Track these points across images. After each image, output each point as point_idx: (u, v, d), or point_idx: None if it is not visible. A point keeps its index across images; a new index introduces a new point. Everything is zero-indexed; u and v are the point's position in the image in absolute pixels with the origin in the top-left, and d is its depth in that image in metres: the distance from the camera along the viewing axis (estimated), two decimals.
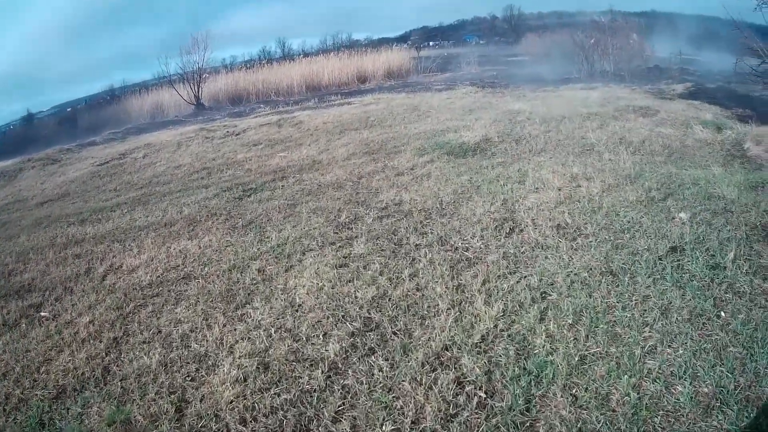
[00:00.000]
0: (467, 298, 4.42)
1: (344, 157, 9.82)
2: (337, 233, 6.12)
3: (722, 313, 3.85)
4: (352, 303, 4.53)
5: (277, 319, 4.46)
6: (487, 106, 14.09)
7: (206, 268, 5.64)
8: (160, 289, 5.35)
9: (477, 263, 4.98)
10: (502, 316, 4.09)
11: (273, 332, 4.25)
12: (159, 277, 5.64)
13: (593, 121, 10.64)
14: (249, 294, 4.98)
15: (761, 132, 8.80)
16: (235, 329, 4.36)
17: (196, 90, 24.60)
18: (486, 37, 54.17)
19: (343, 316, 4.34)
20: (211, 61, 26.77)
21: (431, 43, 55.68)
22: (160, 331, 4.53)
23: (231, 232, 6.66)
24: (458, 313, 4.20)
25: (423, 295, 4.54)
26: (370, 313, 4.35)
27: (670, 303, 4.00)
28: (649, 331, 3.71)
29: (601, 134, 9.49)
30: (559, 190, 6.60)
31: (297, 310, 4.55)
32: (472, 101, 15.38)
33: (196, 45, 25.27)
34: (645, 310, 3.95)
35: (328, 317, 4.35)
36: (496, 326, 3.96)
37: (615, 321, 3.88)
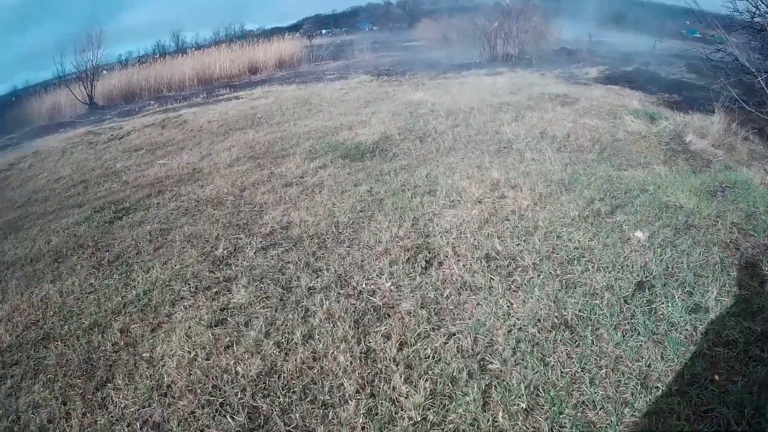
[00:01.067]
0: (381, 372, 3.49)
1: (227, 163, 8.97)
2: (213, 272, 5.15)
3: (715, 377, 3.16)
4: (232, 383, 3.58)
5: (143, 407, 3.53)
6: (384, 97, 13.51)
7: (66, 326, 4.71)
8: (20, 354, 4.46)
9: (389, 314, 4.06)
10: (431, 401, 3.20)
11: (138, 429, 3.36)
12: (19, 337, 4.73)
13: (507, 113, 10.17)
14: (110, 367, 4.02)
15: (703, 122, 8.56)
16: (95, 422, 3.51)
17: (89, 89, 24.31)
18: (380, 23, 56.35)
19: (221, 405, 3.40)
20: (106, 58, 26.94)
21: (324, 31, 57.03)
22: (18, 419, 3.70)
23: (95, 272, 5.69)
24: (371, 398, 3.29)
25: (322, 368, 3.58)
26: (255, 400, 3.40)
27: (650, 367, 3.28)
28: (631, 414, 2.96)
29: (518, 128, 8.99)
30: (480, 202, 5.89)
31: (165, 395, 3.61)
32: (367, 92, 14.76)
33: (90, 42, 25.15)
34: (620, 382, 3.19)
35: (203, 406, 3.41)
36: (425, 419, 3.09)
37: (584, 402, 3.09)
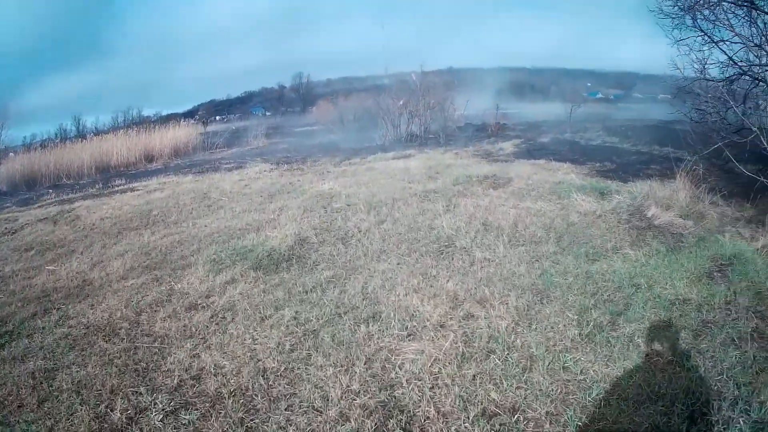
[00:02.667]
0: None
1: (120, 274, 7.72)
2: None
3: None
4: None
5: None
6: (289, 188, 12.80)
7: None
8: None
9: None
10: None
11: None
12: None
13: (435, 202, 9.57)
14: None
15: (664, 192, 8.34)
16: None
17: None
18: (273, 108, 58.14)
19: None
20: (10, 139, 28.13)
21: (218, 117, 58.85)
22: None
23: None
24: None
25: None
26: None
27: None
28: None
29: (454, 220, 8.34)
30: (443, 327, 4.96)
31: None
32: (269, 183, 14.03)
33: None
34: None
35: None
36: None
37: None
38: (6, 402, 4.76)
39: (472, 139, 20.51)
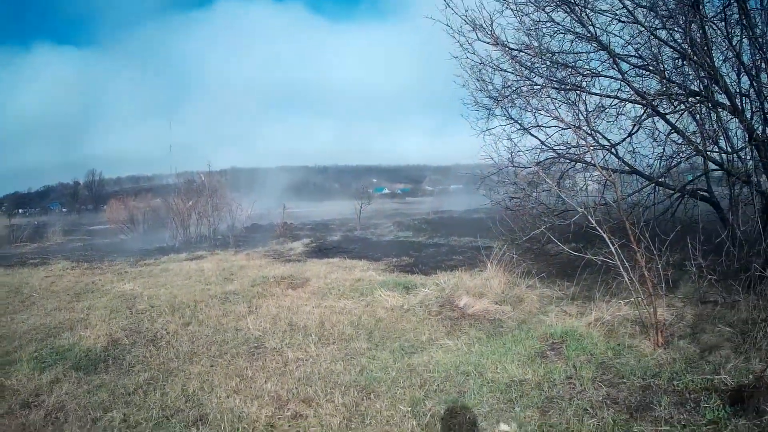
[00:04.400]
0: None
1: None
2: None
3: None
4: None
5: None
6: (93, 287, 12.41)
7: None
8: None
9: None
10: None
11: None
12: None
13: (237, 304, 9.52)
14: None
15: (475, 281, 8.68)
16: None
17: None
18: (69, 204, 57.78)
19: None
20: None
21: (20, 210, 59.76)
22: None
23: None
24: None
25: None
26: None
27: None
28: None
29: (259, 321, 8.30)
30: (273, 427, 4.87)
31: None
32: (74, 281, 13.64)
33: None
34: None
35: None
36: None
37: None
38: None
39: (261, 240, 20.64)
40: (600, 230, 6.07)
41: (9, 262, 19.05)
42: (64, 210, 56.25)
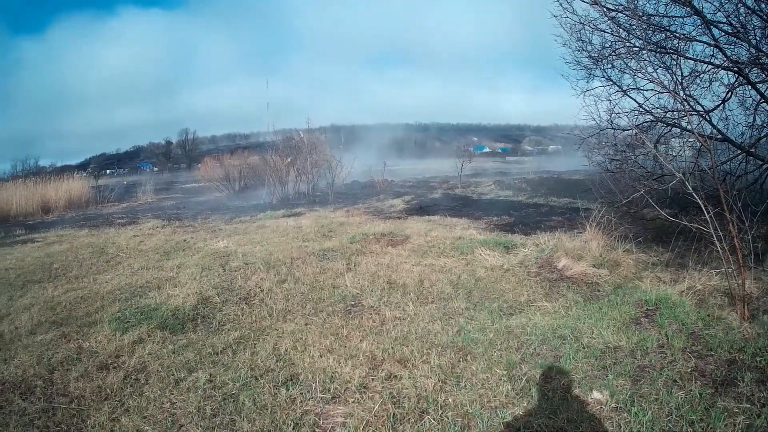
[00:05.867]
0: None
1: (29, 329, 7.13)
2: None
3: None
4: None
5: None
6: (184, 246, 12.45)
7: None
8: None
9: None
10: None
11: None
12: None
13: (335, 261, 9.44)
14: None
15: (573, 243, 8.48)
16: None
17: None
18: (160, 163, 57.85)
19: None
20: None
21: (108, 171, 58.64)
22: None
23: None
24: None
25: None
26: None
27: None
28: None
29: (357, 279, 8.22)
30: (367, 389, 4.75)
31: None
32: (163, 240, 13.62)
33: None
34: None
35: None
36: None
37: None
38: None
39: (361, 197, 20.67)
40: (696, 197, 5.71)
41: (95, 222, 19.45)
42: (155, 169, 57.06)
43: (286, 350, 5.77)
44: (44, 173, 36.53)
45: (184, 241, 13.17)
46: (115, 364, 5.86)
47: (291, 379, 5.10)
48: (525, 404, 4.22)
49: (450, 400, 4.39)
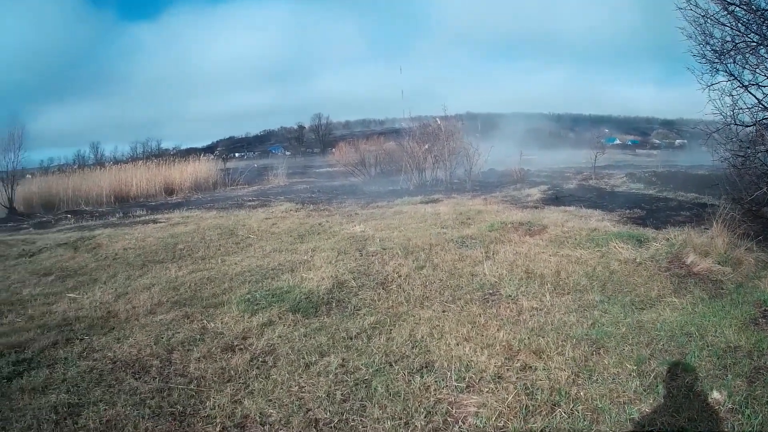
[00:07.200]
0: None
1: (147, 308, 7.39)
2: None
3: None
4: None
5: None
6: (319, 229, 12.65)
7: None
8: None
9: None
10: None
11: None
12: None
13: (473, 248, 9.50)
14: None
15: (701, 239, 8.39)
16: None
17: (10, 192, 23.94)
18: (292, 148, 58.48)
19: None
20: (27, 161, 27.77)
21: (236, 154, 59.29)
22: None
23: None
24: None
25: None
26: None
27: None
28: None
29: (495, 267, 8.28)
30: (502, 379, 4.85)
31: None
32: (298, 223, 13.84)
33: (12, 141, 24.86)
34: None
35: None
36: None
37: None
38: None
39: (497, 185, 20.56)
40: None
41: (223, 204, 19.74)
42: (287, 153, 57.84)
43: (422, 337, 5.88)
44: (167, 155, 38.18)
45: (319, 224, 13.30)
46: (242, 346, 6.02)
47: (426, 367, 5.17)
48: (651, 401, 4.29)
49: (581, 393, 4.47)
